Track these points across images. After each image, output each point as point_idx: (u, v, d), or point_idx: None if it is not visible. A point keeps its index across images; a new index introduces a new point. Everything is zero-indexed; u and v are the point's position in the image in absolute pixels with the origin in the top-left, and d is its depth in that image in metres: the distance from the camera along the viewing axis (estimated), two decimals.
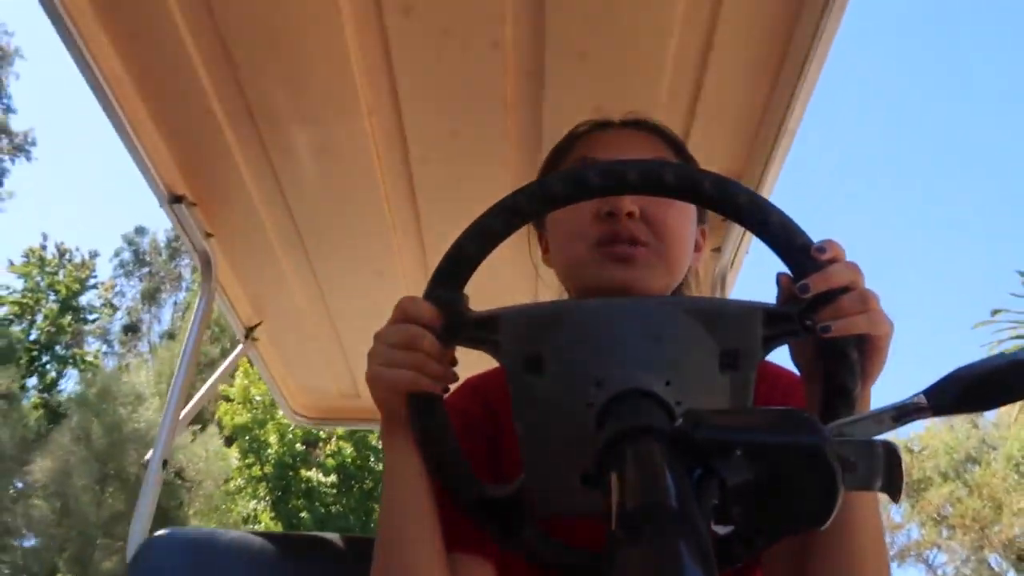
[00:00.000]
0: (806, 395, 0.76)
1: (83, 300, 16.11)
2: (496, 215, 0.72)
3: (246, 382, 12.40)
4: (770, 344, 0.67)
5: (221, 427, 12.88)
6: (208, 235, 1.90)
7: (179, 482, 11.72)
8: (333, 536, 1.54)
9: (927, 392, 0.53)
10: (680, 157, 1.02)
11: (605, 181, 0.70)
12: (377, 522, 0.81)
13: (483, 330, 0.70)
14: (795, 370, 0.84)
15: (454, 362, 0.75)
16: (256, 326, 2.26)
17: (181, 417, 1.85)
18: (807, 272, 0.66)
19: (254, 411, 12.63)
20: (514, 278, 1.65)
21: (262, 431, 12.73)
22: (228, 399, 12.63)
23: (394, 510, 0.78)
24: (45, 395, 13.76)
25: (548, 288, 1.13)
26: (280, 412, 13.07)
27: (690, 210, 0.97)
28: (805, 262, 0.67)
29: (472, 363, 0.85)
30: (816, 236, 0.70)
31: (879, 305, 0.68)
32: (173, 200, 1.77)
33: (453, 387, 1.01)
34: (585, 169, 0.71)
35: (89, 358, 15.60)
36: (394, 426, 0.78)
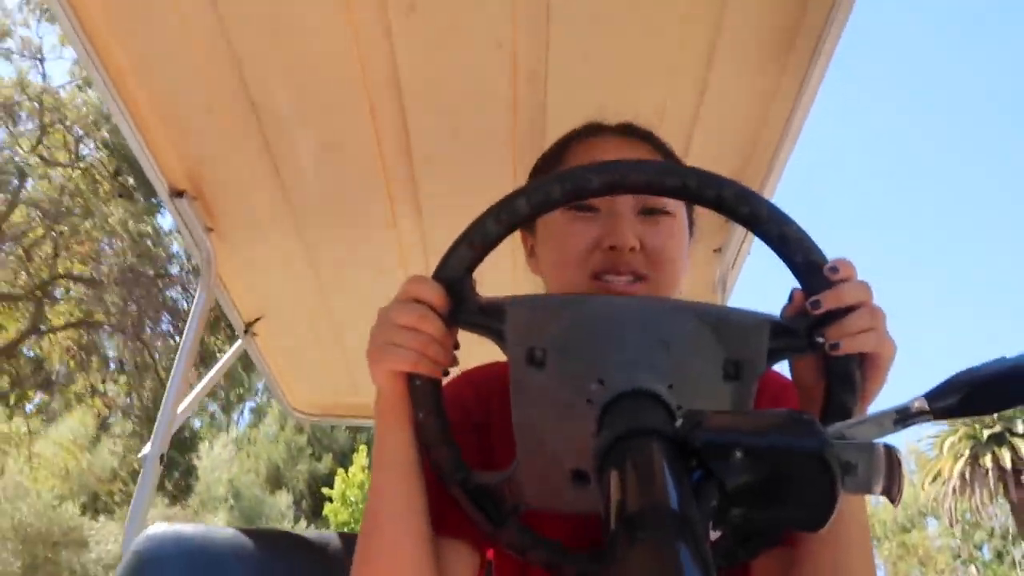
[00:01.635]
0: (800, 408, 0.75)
1: None
2: (525, 195, 0.70)
3: (343, 487, 14.94)
4: (774, 357, 0.66)
5: (328, 525, 15.61)
6: (208, 229, 1.90)
7: None
8: (329, 534, 1.54)
9: (928, 395, 0.52)
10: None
11: (637, 176, 0.69)
12: (365, 501, 0.81)
13: (488, 316, 0.69)
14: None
15: (456, 346, 0.74)
16: (256, 321, 2.26)
17: (179, 412, 1.85)
18: (819, 289, 0.66)
19: (351, 508, 15.00)
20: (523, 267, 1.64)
21: (357, 525, 14.89)
22: (330, 500, 15.12)
23: (383, 489, 0.78)
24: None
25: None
26: None
27: (685, 236, 0.96)
28: (818, 279, 0.67)
29: (474, 351, 0.85)
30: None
31: (885, 325, 0.68)
32: (174, 194, 1.77)
33: (452, 371, 1.01)
34: (618, 164, 0.70)
35: None
36: (389, 405, 0.77)
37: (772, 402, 0.91)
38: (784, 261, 0.69)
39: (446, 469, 0.73)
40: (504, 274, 1.90)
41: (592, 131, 1.03)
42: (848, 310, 0.66)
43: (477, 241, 0.70)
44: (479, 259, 0.71)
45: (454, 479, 0.73)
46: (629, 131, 1.02)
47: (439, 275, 0.71)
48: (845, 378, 0.66)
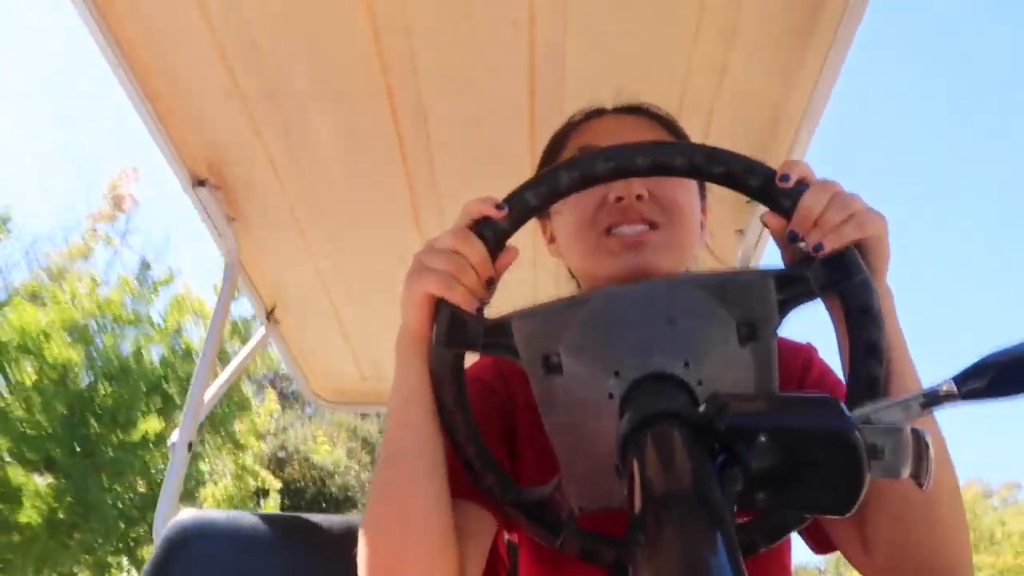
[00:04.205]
0: (841, 354, 0.73)
1: None
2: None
3: None
4: (786, 308, 0.65)
5: None
6: (231, 219, 1.91)
7: None
8: (356, 518, 1.55)
9: (956, 378, 0.51)
10: (676, 137, 1.00)
11: (570, 177, 0.70)
12: (379, 448, 0.78)
13: (497, 336, 0.69)
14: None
15: (494, 280, 0.72)
16: (277, 309, 2.28)
17: (206, 400, 1.87)
18: (781, 203, 0.66)
19: None
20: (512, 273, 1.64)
21: None
22: None
23: (399, 423, 0.76)
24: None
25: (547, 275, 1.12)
26: None
27: (694, 190, 0.95)
28: (775, 193, 0.67)
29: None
30: None
31: (863, 204, 0.67)
32: (196, 184, 1.78)
33: (475, 361, 1.00)
34: (547, 175, 0.71)
35: None
36: (411, 335, 0.75)
37: (787, 366, 0.90)
38: (739, 190, 0.69)
39: (496, 493, 0.72)
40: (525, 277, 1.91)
41: (589, 115, 1.02)
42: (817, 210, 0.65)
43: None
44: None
45: (506, 499, 0.73)
46: (627, 108, 1.01)
47: (441, 309, 0.71)
48: (863, 310, 0.65)
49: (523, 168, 1.67)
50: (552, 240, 1.03)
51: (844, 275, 0.65)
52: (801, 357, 0.95)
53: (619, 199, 0.88)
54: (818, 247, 0.64)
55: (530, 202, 0.71)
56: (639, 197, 0.87)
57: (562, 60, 1.49)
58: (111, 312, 8.33)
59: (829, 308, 0.72)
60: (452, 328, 0.70)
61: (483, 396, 0.91)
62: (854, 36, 1.33)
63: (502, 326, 0.69)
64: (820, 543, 0.86)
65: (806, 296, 0.66)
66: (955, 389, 0.51)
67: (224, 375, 2.12)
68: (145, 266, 9.36)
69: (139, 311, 8.72)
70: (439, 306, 0.71)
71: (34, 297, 8.55)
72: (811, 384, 0.92)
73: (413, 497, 0.74)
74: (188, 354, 8.65)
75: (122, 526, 8.05)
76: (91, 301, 8.22)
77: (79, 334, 7.91)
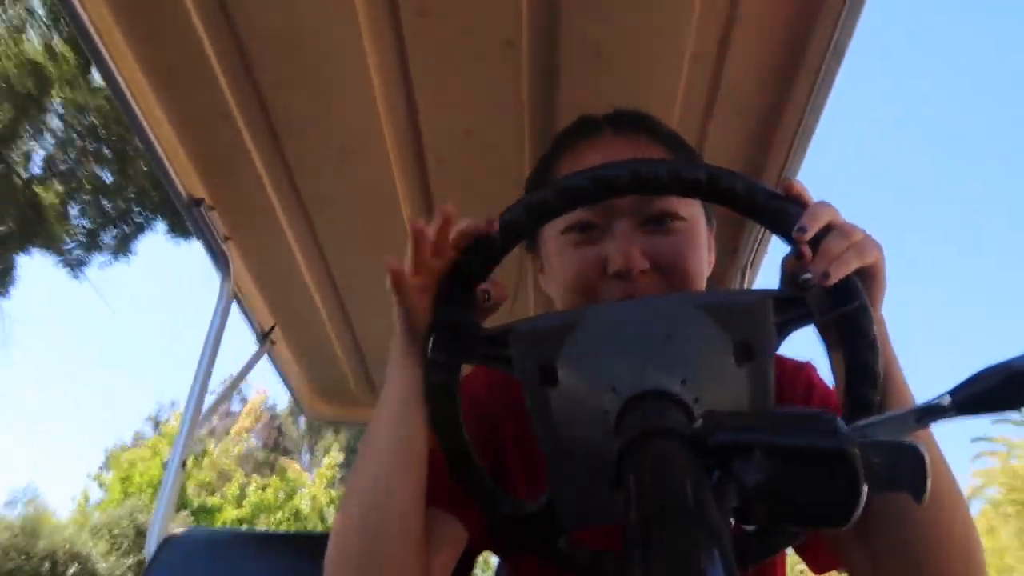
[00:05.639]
0: (835, 376, 0.73)
1: None
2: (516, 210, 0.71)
3: None
4: (784, 331, 0.65)
5: None
6: (226, 238, 1.91)
7: None
8: None
9: (952, 392, 0.51)
10: (675, 151, 0.94)
11: (561, 200, 0.71)
12: (360, 445, 0.78)
13: (495, 346, 0.69)
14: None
15: (489, 293, 0.74)
16: (273, 328, 2.28)
17: (200, 419, 1.87)
18: (780, 223, 0.67)
19: None
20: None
21: None
22: None
23: (381, 423, 0.76)
24: None
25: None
26: None
27: (702, 236, 0.90)
28: (773, 212, 0.67)
29: None
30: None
31: (862, 232, 0.67)
32: (192, 204, 1.78)
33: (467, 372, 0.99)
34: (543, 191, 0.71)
35: None
36: (404, 349, 0.76)
37: (790, 386, 0.89)
38: (740, 211, 0.69)
39: (486, 501, 0.73)
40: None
41: (581, 133, 0.96)
42: (817, 240, 0.65)
43: (469, 272, 0.72)
44: (470, 289, 0.73)
45: (499, 512, 0.72)
46: (624, 125, 0.95)
47: (439, 320, 0.72)
48: (861, 337, 0.65)
49: (517, 184, 1.67)
50: (542, 271, 0.99)
51: (843, 301, 0.65)
52: (803, 376, 0.93)
53: (618, 274, 0.83)
54: (825, 275, 0.64)
55: (521, 222, 0.71)
56: (642, 272, 0.83)
57: (556, 78, 1.50)
58: (269, 501, 12.21)
59: (823, 332, 0.72)
60: (448, 339, 0.71)
61: (470, 409, 0.91)
62: (847, 51, 1.35)
63: (499, 337, 0.69)
64: (819, 562, 0.85)
65: (804, 319, 0.66)
66: (950, 403, 0.51)
67: (217, 396, 2.12)
68: (281, 469, 13.25)
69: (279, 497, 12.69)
70: (436, 316, 0.71)
71: (208, 487, 12.25)
72: (815, 403, 0.90)
73: (390, 506, 0.74)
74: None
75: None
76: (256, 496, 11.92)
77: (248, 522, 11.51)
